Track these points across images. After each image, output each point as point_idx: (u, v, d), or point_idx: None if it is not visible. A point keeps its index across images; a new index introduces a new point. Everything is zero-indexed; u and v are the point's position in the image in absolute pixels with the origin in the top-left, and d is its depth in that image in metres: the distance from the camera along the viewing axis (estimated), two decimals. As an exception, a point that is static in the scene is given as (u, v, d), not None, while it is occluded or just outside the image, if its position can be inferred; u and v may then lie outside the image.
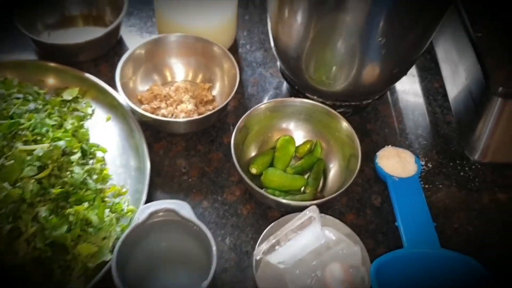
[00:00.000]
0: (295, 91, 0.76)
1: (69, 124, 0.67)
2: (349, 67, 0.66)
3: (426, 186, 0.71)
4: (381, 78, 0.67)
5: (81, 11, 0.86)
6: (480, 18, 0.72)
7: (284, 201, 0.62)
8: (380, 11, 0.58)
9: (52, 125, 0.66)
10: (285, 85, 0.81)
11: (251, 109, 0.68)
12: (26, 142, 0.63)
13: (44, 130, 0.64)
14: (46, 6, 0.83)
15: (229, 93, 0.74)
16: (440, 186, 0.72)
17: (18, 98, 0.70)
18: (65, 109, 0.71)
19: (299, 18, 0.63)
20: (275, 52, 0.74)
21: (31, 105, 0.68)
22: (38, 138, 0.64)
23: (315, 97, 0.73)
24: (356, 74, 0.66)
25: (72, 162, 0.64)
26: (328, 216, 0.62)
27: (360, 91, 0.70)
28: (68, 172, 0.62)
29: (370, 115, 0.78)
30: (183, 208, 0.59)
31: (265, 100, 0.79)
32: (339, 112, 0.72)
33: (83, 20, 0.86)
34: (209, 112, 0.69)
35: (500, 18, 0.72)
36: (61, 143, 0.63)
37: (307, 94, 0.74)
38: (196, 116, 0.70)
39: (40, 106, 0.69)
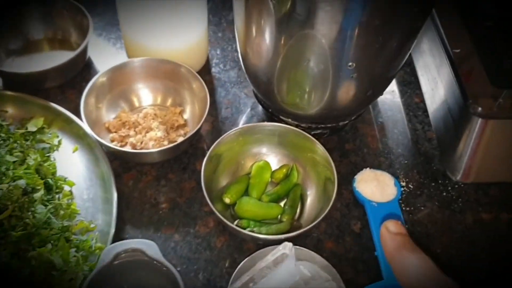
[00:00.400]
0: (269, 114, 0.73)
1: (31, 160, 0.64)
2: (321, 90, 0.63)
3: (407, 208, 0.69)
4: (355, 100, 0.65)
5: (45, 35, 0.83)
6: (458, 32, 0.70)
7: (258, 235, 0.59)
8: (346, 34, 0.55)
9: (14, 162, 0.63)
10: (258, 105, 0.78)
11: (221, 137, 0.66)
12: (-17, 182, 0.60)
13: (3, 168, 0.61)
14: (7, 31, 0.79)
15: (200, 116, 0.71)
16: (422, 208, 0.69)
17: (-23, 134, 0.67)
18: (28, 143, 0.68)
19: (267, 38, 0.60)
20: (245, 74, 0.72)
21: (-9, 142, 0.65)
22: (-2, 177, 0.60)
23: (290, 120, 0.71)
24: (329, 98, 0.63)
25: (35, 201, 0.61)
26: (303, 249, 0.59)
27: (335, 114, 0.68)
28: (30, 213, 0.59)
29: (349, 135, 0.76)
30: (151, 248, 0.57)
31: (240, 122, 0.77)
32: (316, 134, 0.69)
33: (49, 44, 0.83)
34: (178, 141, 0.66)
35: (480, 33, 0.69)
36: (22, 182, 0.60)
37: (281, 117, 0.71)
38: (165, 146, 0.68)
39: (1, 141, 0.66)
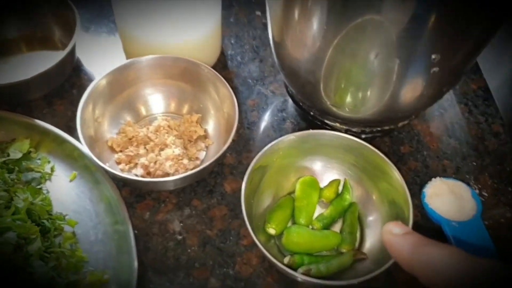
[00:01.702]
0: (309, 117, 0.59)
1: (20, 201, 0.50)
2: (386, 88, 0.50)
3: (485, 222, 0.56)
4: (426, 98, 0.52)
5: (22, 33, 0.67)
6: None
7: (322, 282, 0.46)
8: (429, 20, 0.41)
9: (-3, 207, 0.49)
10: (291, 104, 0.64)
11: (265, 149, 0.52)
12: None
13: (-15, 218, 0.46)
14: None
15: (226, 125, 0.57)
16: (502, 220, 0.57)
17: None
18: (13, 176, 0.53)
19: (315, 23, 0.46)
20: (279, 69, 0.58)
21: (-34, 179, 0.50)
22: (-21, 230, 0.46)
23: (337, 124, 0.57)
24: (394, 97, 0.50)
25: (31, 255, 0.47)
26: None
27: (398, 115, 0.55)
28: (26, 273, 0.45)
29: (402, 135, 0.63)
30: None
31: (269, 127, 0.63)
32: (367, 138, 0.57)
33: (27, 43, 0.67)
34: (206, 164, 0.52)
35: None
36: (11, 234, 0.46)
37: (326, 121, 0.58)
38: (189, 170, 0.54)
39: (-22, 179, 0.51)
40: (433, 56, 0.44)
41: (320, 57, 0.49)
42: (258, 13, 0.74)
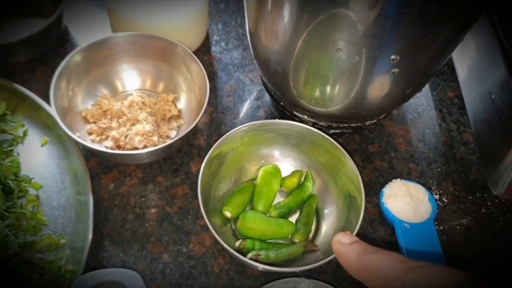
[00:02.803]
0: (280, 107, 0.60)
1: (-14, 160, 0.51)
2: (350, 85, 0.50)
3: (441, 227, 0.58)
4: (390, 98, 0.53)
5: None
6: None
7: (267, 268, 0.48)
8: (394, 20, 0.42)
9: (-36, 161, 0.50)
10: (267, 94, 0.65)
11: (225, 136, 0.53)
12: None
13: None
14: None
15: (198, 107, 0.58)
16: (458, 227, 0.58)
17: None
18: (-16, 136, 0.55)
19: (286, 14, 0.47)
20: (253, 57, 0.59)
21: None
22: None
23: (305, 117, 0.58)
24: (358, 95, 0.51)
25: (-11, 212, 0.49)
26: (321, 283, 0.48)
27: (363, 113, 0.55)
28: (-18, 228, 0.47)
29: (373, 134, 0.64)
30: (133, 280, 0.45)
31: (244, 114, 0.64)
32: (335, 133, 0.58)
33: (16, 11, 0.68)
34: (171, 136, 0.53)
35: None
36: (-28, 189, 0.47)
37: (295, 113, 0.59)
38: (155, 146, 0.55)
39: (-50, 132, 0.53)
40: (392, 57, 0.45)
41: (289, 49, 0.50)
42: (248, 1, 0.74)
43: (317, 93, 0.53)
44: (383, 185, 0.59)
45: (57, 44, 0.66)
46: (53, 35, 0.65)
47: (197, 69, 0.59)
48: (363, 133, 0.64)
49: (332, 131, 0.60)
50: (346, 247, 0.39)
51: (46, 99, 0.60)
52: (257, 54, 0.57)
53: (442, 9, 0.41)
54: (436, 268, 0.34)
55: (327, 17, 0.44)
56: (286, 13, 0.47)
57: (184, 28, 0.64)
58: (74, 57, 0.57)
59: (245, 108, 0.65)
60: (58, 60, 0.64)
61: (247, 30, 0.56)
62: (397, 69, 0.47)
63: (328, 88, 0.52)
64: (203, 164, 0.51)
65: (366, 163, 0.61)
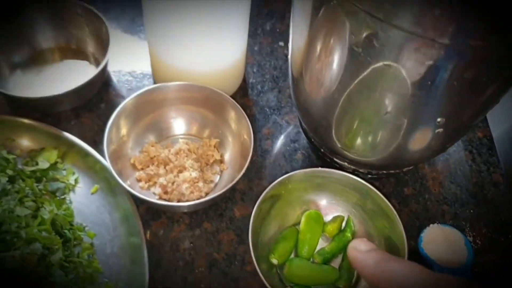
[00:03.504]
0: (319, 153, 0.63)
1: (46, 212, 0.54)
2: (393, 139, 0.53)
3: (475, 270, 0.60)
4: (431, 151, 0.55)
5: (56, 45, 0.71)
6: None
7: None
8: (442, 85, 0.44)
9: (25, 215, 0.53)
10: (303, 136, 0.68)
11: (276, 181, 0.56)
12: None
13: (14, 227, 0.50)
14: (10, 41, 0.68)
15: (240, 152, 0.61)
16: (492, 269, 0.60)
17: (-20, 172, 0.56)
18: (40, 186, 0.57)
19: (334, 65, 0.49)
20: (295, 103, 0.61)
21: (-2, 186, 0.55)
22: (7, 237, 0.50)
23: (346, 164, 0.61)
24: (400, 148, 0.54)
25: (53, 265, 0.51)
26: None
27: (403, 163, 0.58)
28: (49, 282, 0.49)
29: (407, 176, 0.66)
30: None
31: (281, 157, 0.66)
32: (372, 177, 0.60)
33: (60, 53, 0.71)
34: (219, 192, 0.56)
35: None
36: (38, 246, 0.50)
37: (335, 159, 0.61)
38: (203, 198, 0.57)
39: (9, 186, 0.55)
40: (438, 120, 0.47)
41: (335, 99, 0.52)
42: (281, 43, 0.77)
43: (360, 145, 0.55)
44: (419, 228, 0.61)
45: (101, 90, 0.69)
46: (99, 83, 0.67)
47: (241, 117, 0.61)
48: (398, 175, 0.66)
49: (369, 176, 0.62)
50: (364, 254, 0.40)
51: (94, 145, 0.62)
52: (299, 100, 0.59)
53: (491, 78, 0.44)
54: (461, 281, 0.34)
55: (375, 72, 0.46)
56: (334, 63, 0.49)
57: (225, 73, 0.66)
58: (126, 106, 0.60)
59: (283, 151, 0.67)
60: (103, 106, 0.66)
61: (290, 75, 0.59)
62: (441, 129, 0.49)
63: (372, 142, 0.54)
64: (254, 209, 0.54)
65: (402, 206, 0.64)
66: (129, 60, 0.73)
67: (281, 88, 0.72)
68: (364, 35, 0.45)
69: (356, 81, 0.48)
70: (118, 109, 0.59)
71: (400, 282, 0.37)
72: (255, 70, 0.74)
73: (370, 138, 0.54)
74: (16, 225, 0.51)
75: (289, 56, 0.58)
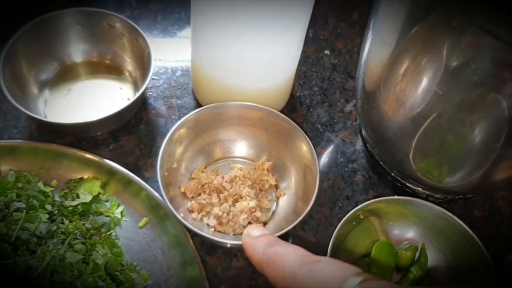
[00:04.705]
0: (389, 177, 0.58)
1: (100, 257, 0.48)
2: (481, 167, 0.48)
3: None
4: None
5: (89, 58, 0.64)
6: None
7: None
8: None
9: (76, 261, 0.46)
10: (362, 155, 0.63)
11: (347, 216, 0.51)
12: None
13: (68, 277, 0.44)
14: (38, 57, 0.61)
15: (298, 177, 0.56)
16: None
17: (18, 210, 0.50)
18: (88, 225, 0.51)
19: (422, 87, 0.44)
20: (362, 123, 0.56)
21: (42, 227, 0.48)
22: (60, 290, 0.44)
23: (419, 189, 0.56)
24: (484, 176, 0.49)
25: (109, 316, 0.45)
26: None
27: (488, 189, 0.53)
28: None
29: (476, 197, 0.61)
30: None
31: (339, 179, 0.61)
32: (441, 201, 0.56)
33: (92, 67, 0.65)
34: (290, 227, 0.50)
35: None
36: (95, 297, 0.44)
37: (408, 184, 0.56)
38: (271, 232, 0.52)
39: (54, 226, 0.49)
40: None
41: (419, 121, 0.47)
42: (327, 52, 0.71)
43: (441, 171, 0.50)
44: (493, 253, 0.57)
45: (139, 110, 0.62)
46: (138, 104, 0.61)
47: (300, 139, 0.56)
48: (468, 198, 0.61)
49: (439, 200, 0.57)
50: (255, 239, 0.38)
51: (136, 171, 0.56)
52: (369, 120, 0.54)
53: None
54: (330, 263, 0.33)
55: (478, 98, 0.41)
56: (423, 85, 0.44)
57: (274, 91, 0.61)
58: (177, 131, 0.54)
59: (341, 172, 0.62)
60: (142, 127, 0.61)
61: (360, 91, 0.53)
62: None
63: (458, 167, 0.49)
64: (330, 244, 0.49)
65: (473, 229, 0.59)
66: (166, 75, 0.67)
67: (332, 101, 0.67)
68: (466, 54, 0.40)
69: (448, 104, 0.43)
70: (169, 133, 0.54)
71: (279, 266, 0.35)
72: (301, 82, 0.68)
73: (456, 164, 0.49)
74: (70, 274, 0.44)
75: (360, 70, 0.53)
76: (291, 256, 0.35)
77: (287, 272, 0.34)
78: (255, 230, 0.40)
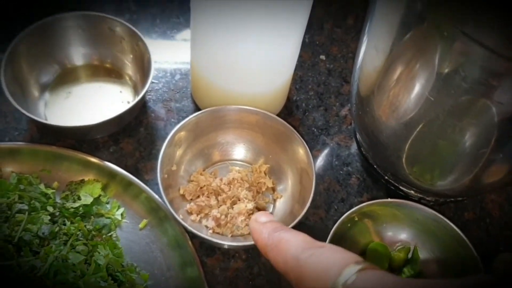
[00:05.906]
0: (382, 180, 0.59)
1: (102, 257, 0.49)
2: (473, 170, 0.50)
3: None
4: (506, 181, 0.52)
5: (89, 62, 0.65)
6: None
7: None
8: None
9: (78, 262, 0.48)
10: (356, 159, 0.64)
11: (341, 218, 0.52)
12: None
13: (71, 277, 0.45)
14: (39, 60, 0.62)
15: (294, 179, 0.57)
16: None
17: (21, 211, 0.51)
18: (89, 226, 0.52)
19: (415, 91, 0.45)
20: (357, 127, 0.57)
21: (44, 228, 0.49)
22: (63, 290, 0.45)
23: (412, 192, 0.58)
24: (475, 179, 0.51)
25: (111, 316, 0.46)
26: None
27: (479, 191, 0.55)
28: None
29: (467, 200, 0.63)
30: None
31: (334, 181, 0.63)
32: (433, 204, 0.57)
33: (93, 70, 0.66)
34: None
35: None
36: (98, 297, 0.45)
37: (401, 187, 0.58)
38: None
39: (56, 228, 0.50)
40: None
41: (412, 126, 0.49)
42: (323, 57, 0.73)
43: (436, 174, 0.52)
44: (482, 255, 0.58)
45: (139, 114, 0.64)
46: (138, 107, 0.62)
47: (296, 143, 0.57)
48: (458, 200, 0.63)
49: (431, 202, 0.59)
50: (261, 225, 0.40)
51: (136, 174, 0.58)
52: (362, 124, 0.55)
53: None
54: (333, 249, 0.34)
55: (470, 102, 0.43)
56: (419, 87, 0.45)
57: (271, 94, 0.62)
58: (176, 133, 0.55)
59: (336, 175, 0.63)
60: (142, 130, 0.62)
61: (353, 92, 0.55)
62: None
63: (450, 171, 0.51)
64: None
65: (463, 231, 0.61)
66: (165, 79, 0.68)
67: (327, 106, 0.68)
68: (457, 62, 0.41)
69: (439, 110, 0.45)
70: (169, 136, 0.55)
71: (283, 251, 0.36)
72: (297, 86, 0.70)
73: (447, 168, 0.51)
74: (73, 275, 0.45)
75: (355, 76, 0.54)
76: (295, 240, 0.36)
77: (290, 256, 0.35)
78: (262, 217, 0.42)
